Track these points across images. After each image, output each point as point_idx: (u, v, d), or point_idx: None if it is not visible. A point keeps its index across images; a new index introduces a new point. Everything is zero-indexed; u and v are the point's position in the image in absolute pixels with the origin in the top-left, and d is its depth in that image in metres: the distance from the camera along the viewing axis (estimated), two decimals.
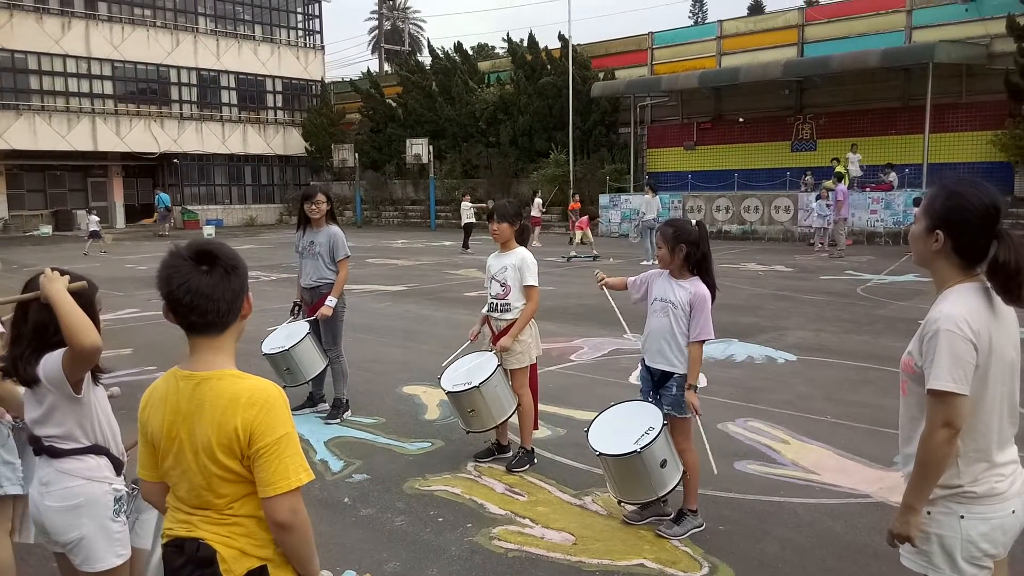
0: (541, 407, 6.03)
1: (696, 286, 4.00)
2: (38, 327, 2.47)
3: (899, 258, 17.47)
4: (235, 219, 39.17)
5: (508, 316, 5.04)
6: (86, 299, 2.45)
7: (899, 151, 23.82)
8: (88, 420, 2.53)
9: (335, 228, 6.22)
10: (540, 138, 31.30)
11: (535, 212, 24.54)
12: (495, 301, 5.10)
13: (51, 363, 2.46)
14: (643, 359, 4.25)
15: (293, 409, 6.19)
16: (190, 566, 1.86)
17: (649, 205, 18.53)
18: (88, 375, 2.51)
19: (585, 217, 21.52)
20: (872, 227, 21.63)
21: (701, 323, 4.01)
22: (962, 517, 2.23)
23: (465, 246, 21.79)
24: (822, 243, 19.91)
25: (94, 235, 23.39)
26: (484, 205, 22.66)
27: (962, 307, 2.20)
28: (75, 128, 34.42)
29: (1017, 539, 2.33)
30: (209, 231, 31.58)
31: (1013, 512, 2.26)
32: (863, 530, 4.13)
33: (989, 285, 2.25)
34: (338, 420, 6.06)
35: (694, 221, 4.11)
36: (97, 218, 24.27)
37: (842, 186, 19.15)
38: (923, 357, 2.23)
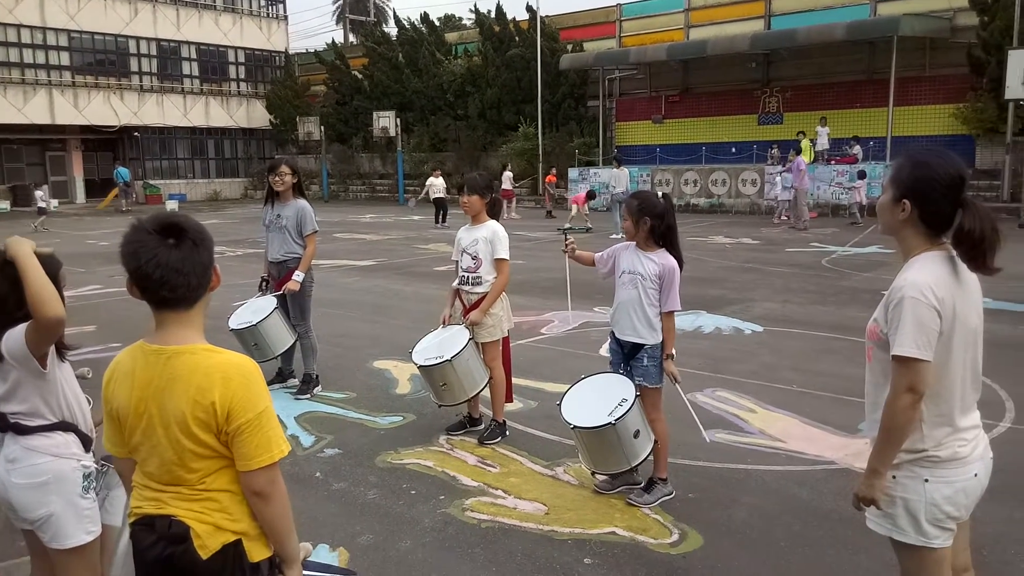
0: (513, 380, 6.07)
1: (664, 258, 4.03)
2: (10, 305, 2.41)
3: (864, 231, 17.74)
4: (198, 193, 38.51)
5: (479, 289, 5.03)
6: (51, 271, 2.39)
7: (864, 124, 24.08)
8: (54, 396, 2.48)
9: (303, 202, 6.14)
10: (509, 111, 31.11)
11: (506, 185, 24.47)
12: (466, 274, 5.09)
13: (13, 338, 2.41)
14: (612, 331, 4.28)
15: None
16: (162, 543, 1.84)
17: (618, 178, 18.61)
18: (53, 350, 2.46)
19: (583, 193, 20.75)
20: (837, 200, 21.88)
21: (671, 295, 4.04)
22: (926, 481, 2.27)
23: (441, 220, 21.57)
24: (786, 216, 20.14)
25: (41, 211, 23.18)
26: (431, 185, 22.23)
27: (927, 274, 2.24)
28: (31, 101, 33.46)
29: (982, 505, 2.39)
30: (172, 205, 31.01)
31: (975, 475, 2.32)
32: (828, 495, 4.22)
33: (955, 253, 2.29)
34: (308, 395, 6.03)
35: (660, 193, 4.12)
36: (41, 193, 24.00)
37: (800, 159, 19.31)
38: (888, 324, 2.26)
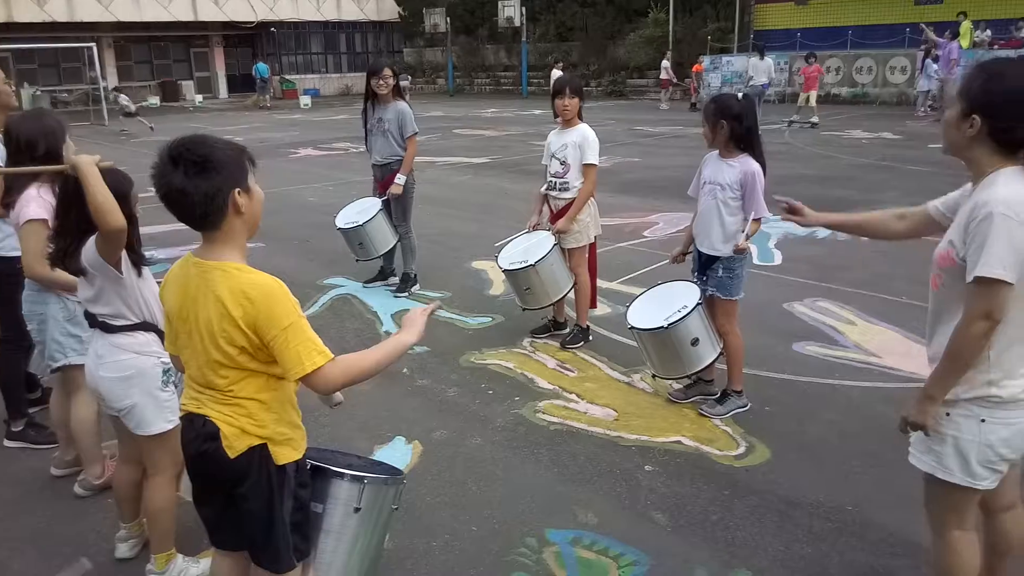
0: (603, 284, 6.08)
1: (746, 164, 3.85)
2: (80, 220, 2.64)
3: None
4: (331, 88, 39.45)
5: (567, 195, 5.00)
6: (120, 191, 2.59)
7: None
8: (133, 299, 2.73)
9: (403, 104, 6.20)
10: None
11: (663, 75, 23.79)
12: (554, 179, 5.06)
13: (88, 249, 2.65)
14: (693, 238, 4.19)
15: (365, 282, 6.51)
16: (199, 439, 2.05)
17: (757, 68, 17.26)
18: (126, 257, 2.68)
19: (815, 67, 18.14)
20: None
21: (756, 201, 3.87)
22: (983, 421, 2.15)
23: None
24: (926, 109, 18.43)
25: (128, 114, 21.91)
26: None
27: (1016, 190, 2.04)
28: None
29: None
30: (306, 101, 32.01)
31: None
32: None
33: None
34: (406, 294, 6.27)
35: (740, 95, 3.91)
36: (127, 97, 22.93)
37: (956, 43, 17.26)
38: (967, 245, 2.08)
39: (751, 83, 17.18)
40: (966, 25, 20.77)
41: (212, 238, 2.01)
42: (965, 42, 20.35)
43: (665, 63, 23.91)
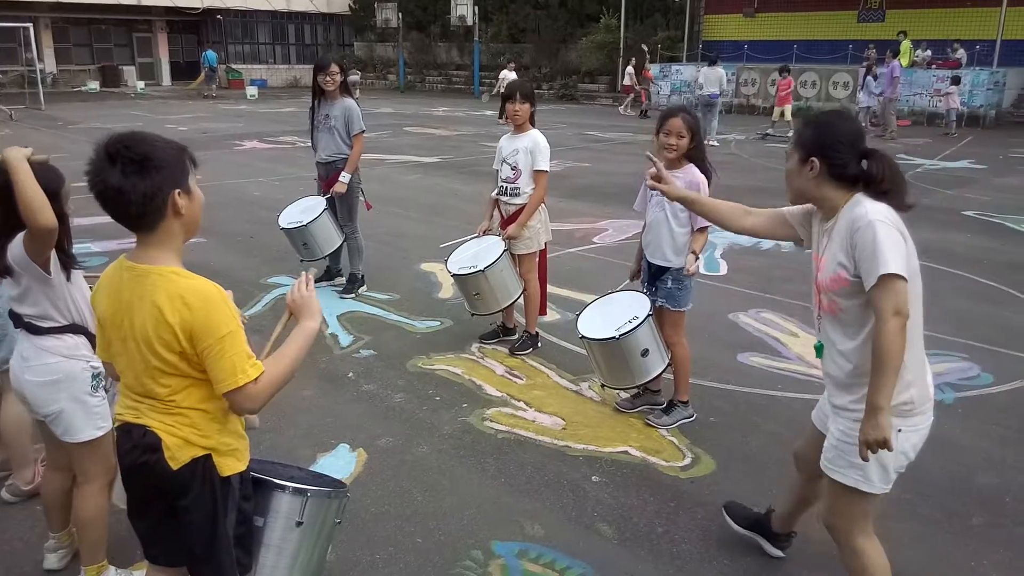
0: (553, 290, 6.08)
1: (690, 173, 3.87)
2: (7, 216, 2.51)
3: (957, 142, 16.68)
4: (279, 80, 38.77)
5: (517, 201, 4.97)
6: (51, 188, 2.47)
7: (973, 25, 22.22)
8: (62, 300, 2.61)
9: (350, 101, 6.10)
10: (591, 0, 29.84)
11: (627, 80, 23.92)
12: (505, 184, 5.03)
13: (15, 247, 2.52)
14: (642, 249, 4.20)
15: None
16: (137, 451, 1.95)
17: (708, 78, 17.26)
18: (55, 257, 2.56)
19: (788, 80, 18.09)
20: (934, 107, 20.52)
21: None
22: (899, 431, 2.27)
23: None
24: (869, 122, 18.95)
25: None
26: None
27: (879, 205, 2.27)
28: None
29: None
30: (253, 91, 31.37)
31: (931, 419, 2.38)
32: None
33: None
34: (353, 295, 6.18)
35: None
36: None
37: (896, 62, 17.73)
38: (856, 258, 2.24)
39: (701, 92, 17.17)
40: (906, 44, 21.47)
41: (147, 240, 1.93)
42: (905, 60, 21.03)
43: (629, 69, 24.07)
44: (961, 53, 21.19)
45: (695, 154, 3.90)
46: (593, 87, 29.97)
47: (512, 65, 22.50)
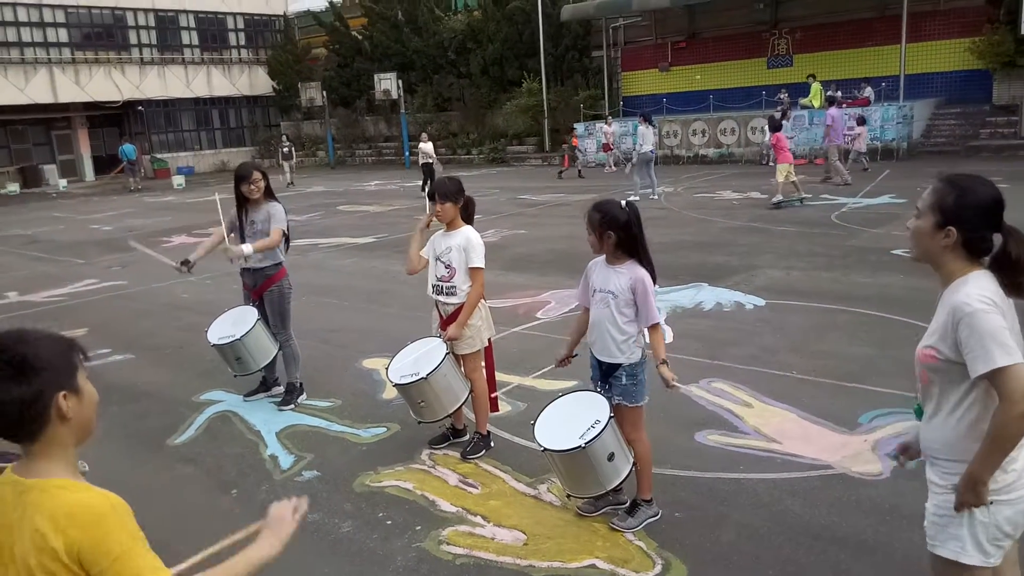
0: (502, 377, 5.90)
1: (633, 270, 3.78)
2: None
3: (875, 178, 17.24)
4: (206, 165, 38.36)
5: (455, 300, 4.81)
6: None
7: (876, 63, 23.33)
8: None
9: (275, 204, 5.88)
10: (512, 66, 30.48)
11: (604, 139, 24.49)
12: (440, 284, 4.86)
13: None
14: (591, 349, 4.06)
15: (246, 395, 6.08)
16: None
17: (644, 136, 17.44)
18: None
19: (780, 135, 14.89)
20: (848, 146, 21.26)
21: (648, 309, 3.80)
22: (991, 502, 2.26)
23: (426, 188, 20.90)
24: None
25: None
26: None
27: (984, 288, 2.24)
28: (33, 80, 33.34)
29: None
30: (179, 180, 30.89)
31: None
32: (823, 508, 4.03)
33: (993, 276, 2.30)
34: (292, 406, 5.89)
35: (623, 203, 3.84)
36: None
37: (833, 109, 17.39)
38: (961, 344, 2.21)
39: (640, 149, 17.29)
40: (816, 86, 22.35)
41: (31, 451, 1.69)
42: (816, 102, 21.85)
43: (606, 128, 24.47)
44: (869, 91, 22.12)
45: (635, 249, 3.80)
46: (522, 149, 30.37)
47: (424, 136, 22.35)
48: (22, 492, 1.68)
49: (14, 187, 31.88)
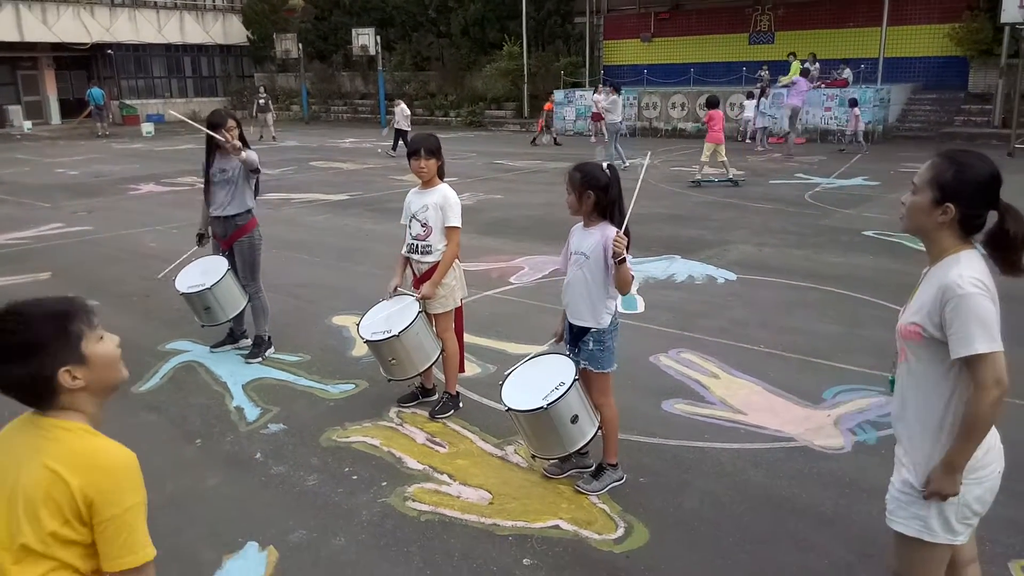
0: (472, 339, 5.90)
1: (605, 230, 3.76)
2: None
3: (850, 159, 17.37)
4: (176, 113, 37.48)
5: (429, 259, 4.77)
6: None
7: (856, 45, 23.39)
8: None
9: (249, 151, 5.77)
10: (493, 28, 30.08)
11: (595, 109, 23.12)
12: (415, 242, 4.81)
13: None
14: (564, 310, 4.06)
15: (213, 346, 6.01)
16: None
17: (614, 106, 17.29)
18: None
19: (718, 112, 14.52)
20: (826, 125, 21.40)
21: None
22: (961, 483, 2.26)
23: (396, 148, 20.15)
24: (763, 146, 19.71)
25: None
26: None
27: (977, 269, 2.23)
28: None
29: None
30: (148, 128, 30.18)
31: (998, 472, 2.35)
32: (784, 479, 4.10)
33: (984, 253, 2.29)
34: (259, 359, 5.82)
35: (605, 165, 3.82)
36: None
37: (801, 80, 18.75)
38: (946, 323, 2.21)
39: (609, 120, 17.15)
40: (796, 65, 22.33)
41: (54, 403, 1.71)
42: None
43: (597, 96, 23.80)
44: (847, 72, 22.19)
45: (611, 212, 3.78)
46: (500, 113, 30.09)
47: (405, 100, 21.81)
48: (43, 428, 1.69)
49: None
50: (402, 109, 20.42)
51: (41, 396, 1.69)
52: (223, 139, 5.49)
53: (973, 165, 2.25)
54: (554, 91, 26.45)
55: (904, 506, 2.37)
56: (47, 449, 1.66)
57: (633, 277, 3.80)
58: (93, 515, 1.64)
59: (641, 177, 4.14)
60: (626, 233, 3.66)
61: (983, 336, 2.15)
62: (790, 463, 4.26)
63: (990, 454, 2.31)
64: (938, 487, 2.26)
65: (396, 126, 20.29)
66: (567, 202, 3.87)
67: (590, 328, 3.87)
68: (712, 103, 15.11)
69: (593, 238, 3.80)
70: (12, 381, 1.65)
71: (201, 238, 6.01)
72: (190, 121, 6.47)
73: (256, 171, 5.74)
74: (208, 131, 5.55)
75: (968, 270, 2.21)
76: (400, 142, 19.64)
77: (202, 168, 5.86)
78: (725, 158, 14.38)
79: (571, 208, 3.87)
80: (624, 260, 3.60)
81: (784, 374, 5.48)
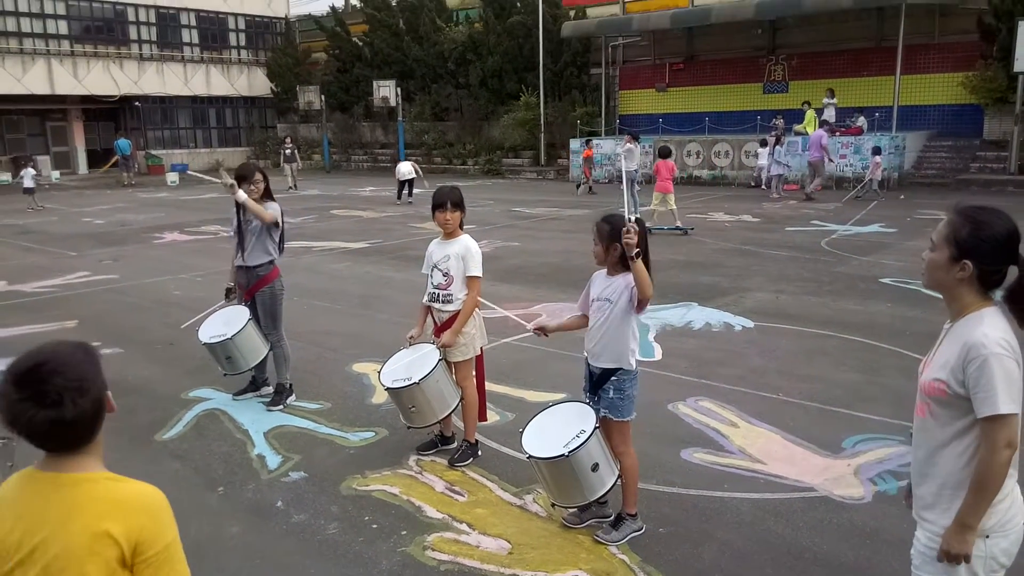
0: (492, 387, 5.94)
1: (628, 278, 3.81)
2: None
3: (866, 206, 17.42)
4: (200, 163, 38.17)
5: (451, 308, 4.85)
6: None
7: (871, 93, 23.59)
8: None
9: (273, 204, 5.94)
10: (510, 79, 30.60)
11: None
12: (437, 291, 4.91)
13: None
14: (586, 357, 4.11)
15: (235, 394, 6.09)
16: None
17: (631, 155, 17.38)
18: None
19: (664, 163, 14.74)
20: (841, 172, 21.49)
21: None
22: (987, 537, 2.28)
23: (400, 198, 20.92)
24: (778, 194, 19.90)
25: (28, 191, 20.87)
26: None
27: (1001, 329, 2.26)
28: (30, 71, 33.21)
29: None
30: (173, 176, 30.78)
31: (1022, 523, 2.35)
32: (805, 530, 4.08)
33: (1005, 309, 2.32)
34: (281, 407, 5.89)
35: (633, 218, 3.89)
36: (33, 171, 21.77)
37: (820, 131, 19.37)
38: (970, 382, 2.23)
39: (626, 169, 17.20)
40: (810, 114, 22.59)
41: (76, 451, 1.75)
42: (810, 128, 22.07)
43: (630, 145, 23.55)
44: (862, 120, 22.35)
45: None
46: (517, 162, 30.49)
47: (412, 163, 22.06)
48: (66, 486, 1.71)
49: (5, 176, 31.69)
50: (404, 166, 21.14)
51: (95, 427, 1.74)
52: (220, 180, 5.65)
53: (990, 223, 2.27)
54: (589, 138, 26.44)
55: (930, 561, 2.36)
56: (85, 509, 1.68)
57: (651, 280, 3.71)
58: (136, 556, 1.68)
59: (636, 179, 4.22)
60: (637, 223, 3.58)
61: (1005, 398, 2.18)
62: (810, 513, 4.24)
63: (1014, 507, 2.32)
64: (949, 546, 2.27)
65: (400, 178, 20.85)
66: (593, 252, 3.95)
67: (612, 374, 3.91)
68: (663, 153, 15.30)
69: (617, 284, 3.86)
70: (82, 421, 1.69)
71: (229, 292, 6.10)
72: (205, 176, 6.68)
73: (276, 224, 5.88)
74: (201, 174, 5.73)
75: (993, 330, 2.23)
76: (404, 191, 20.84)
77: (233, 222, 5.99)
78: (674, 207, 14.60)
79: (597, 258, 3.94)
80: (639, 254, 3.54)
81: (803, 423, 5.47)
